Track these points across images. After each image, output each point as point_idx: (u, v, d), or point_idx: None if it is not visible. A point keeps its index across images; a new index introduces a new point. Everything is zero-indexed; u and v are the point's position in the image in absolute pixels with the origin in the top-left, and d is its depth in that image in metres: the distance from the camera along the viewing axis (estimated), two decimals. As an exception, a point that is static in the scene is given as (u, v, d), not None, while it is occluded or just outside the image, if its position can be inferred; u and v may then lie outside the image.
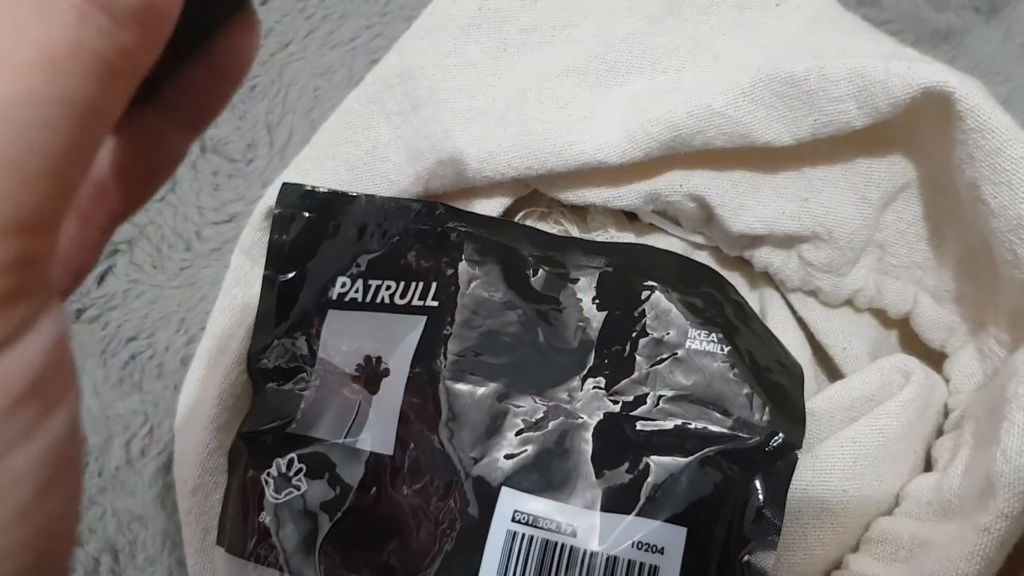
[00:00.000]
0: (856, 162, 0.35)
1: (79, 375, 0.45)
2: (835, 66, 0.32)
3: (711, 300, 0.35)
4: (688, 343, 0.34)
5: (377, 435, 0.34)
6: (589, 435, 0.34)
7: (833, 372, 0.39)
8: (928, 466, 0.36)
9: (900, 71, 0.31)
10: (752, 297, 0.40)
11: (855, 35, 0.36)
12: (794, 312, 0.39)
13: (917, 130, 0.34)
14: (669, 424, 0.33)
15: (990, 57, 0.45)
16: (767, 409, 0.33)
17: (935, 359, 0.37)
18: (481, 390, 0.34)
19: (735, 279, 0.40)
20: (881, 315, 0.38)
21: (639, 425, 0.34)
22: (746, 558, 0.31)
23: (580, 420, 0.34)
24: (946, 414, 0.36)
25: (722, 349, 0.34)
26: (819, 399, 0.35)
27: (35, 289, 0.14)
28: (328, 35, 0.48)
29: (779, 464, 0.32)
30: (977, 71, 0.45)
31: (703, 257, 0.40)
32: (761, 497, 0.32)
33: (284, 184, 0.38)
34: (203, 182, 0.47)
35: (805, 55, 0.35)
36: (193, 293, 0.45)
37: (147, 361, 0.45)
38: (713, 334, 0.34)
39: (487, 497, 0.33)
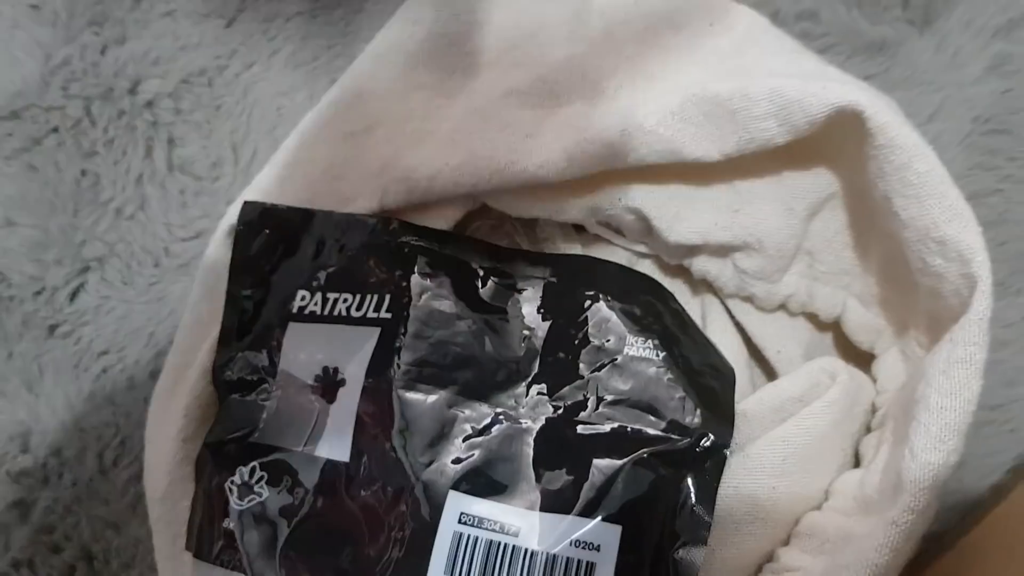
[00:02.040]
0: (783, 175, 0.37)
1: (55, 389, 0.46)
2: (757, 86, 0.34)
3: (649, 308, 0.37)
4: (626, 349, 0.36)
5: (334, 443, 0.36)
6: (532, 439, 0.35)
7: (770, 374, 0.41)
8: (858, 463, 0.37)
9: (815, 91, 0.33)
10: (693, 303, 0.42)
11: (782, 54, 0.37)
12: (732, 317, 0.41)
13: (838, 144, 0.35)
14: (607, 427, 0.35)
15: (924, 68, 0.47)
16: (698, 411, 0.35)
17: (865, 360, 0.39)
18: (431, 398, 0.36)
19: (677, 286, 0.42)
20: (815, 319, 0.40)
21: (579, 429, 0.35)
22: (679, 553, 0.33)
23: (524, 425, 0.36)
24: (874, 412, 0.38)
25: (658, 355, 0.36)
26: (750, 401, 0.37)
27: None
28: (291, 55, 0.50)
29: (709, 463, 0.34)
30: (911, 81, 0.46)
31: (646, 266, 0.42)
32: (692, 495, 0.34)
33: (245, 202, 0.40)
34: (171, 200, 0.48)
35: (735, 73, 0.37)
36: (162, 308, 0.47)
37: (118, 374, 0.46)
38: (650, 340, 0.36)
39: (436, 501, 0.34)
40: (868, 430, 0.38)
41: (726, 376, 0.36)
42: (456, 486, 0.35)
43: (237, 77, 0.50)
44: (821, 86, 0.33)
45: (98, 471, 0.46)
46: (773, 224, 0.37)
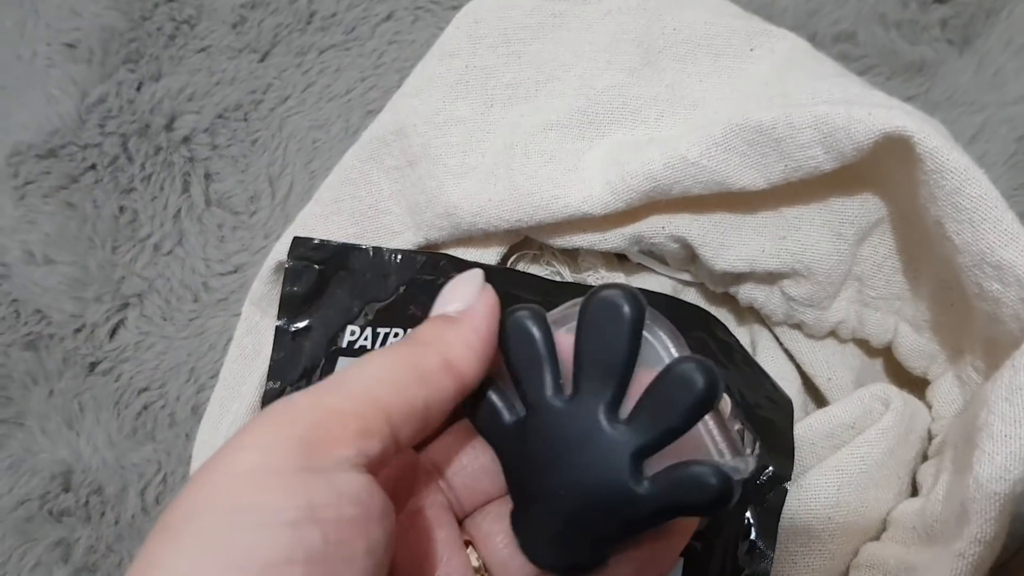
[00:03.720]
0: (830, 200, 0.37)
1: (96, 427, 0.46)
2: (801, 114, 0.33)
3: (698, 340, 0.37)
4: None
5: None
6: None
7: (822, 402, 0.40)
8: (915, 491, 0.37)
9: (861, 117, 0.33)
10: (742, 331, 0.41)
11: (824, 78, 0.37)
12: (781, 344, 0.40)
13: (885, 169, 0.35)
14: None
15: (964, 88, 0.46)
16: (757, 444, 0.34)
17: (919, 385, 0.38)
18: None
19: (723, 314, 0.41)
20: (865, 344, 0.40)
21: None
22: (739, 587, 0.33)
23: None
24: (930, 439, 0.37)
25: None
26: (800, 427, 0.36)
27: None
28: (325, 88, 0.50)
29: (770, 496, 0.34)
30: (951, 102, 0.46)
31: (691, 294, 0.41)
32: (753, 528, 0.33)
33: (295, 238, 0.40)
34: (209, 235, 0.48)
35: (777, 99, 0.37)
36: (202, 343, 0.47)
37: (159, 411, 0.46)
38: None
39: None
40: (925, 458, 0.37)
41: (784, 407, 0.36)
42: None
43: (272, 111, 0.50)
44: (867, 112, 0.33)
45: (140, 509, 0.46)
46: (822, 250, 0.37)
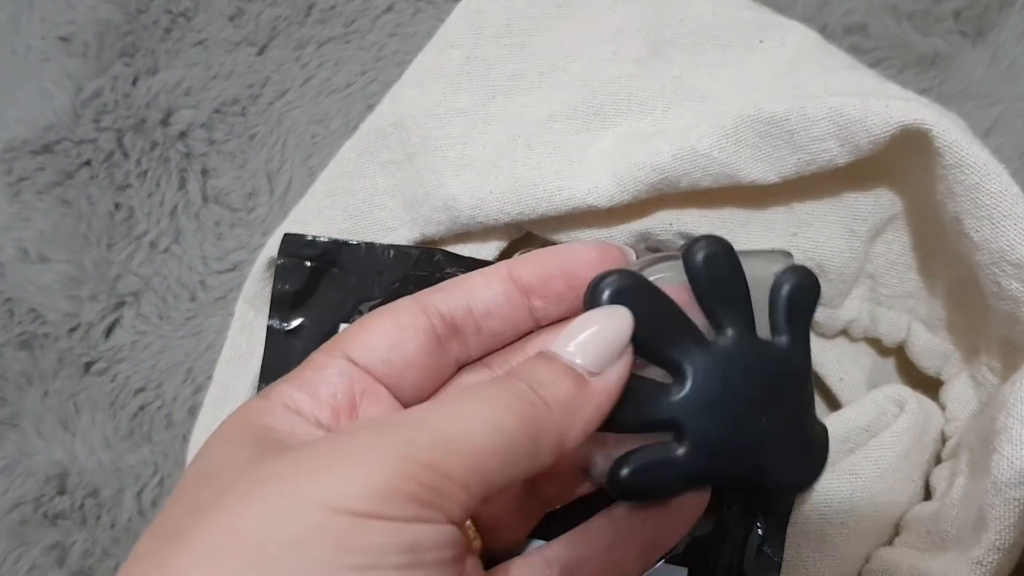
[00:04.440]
0: (843, 196, 0.36)
1: (91, 428, 0.46)
2: (815, 105, 0.32)
3: None
4: None
5: None
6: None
7: (833, 403, 0.39)
8: (928, 494, 0.36)
9: (879, 109, 0.32)
10: None
11: (837, 70, 0.36)
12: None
13: (901, 164, 0.34)
14: None
15: (978, 81, 0.45)
16: None
17: (931, 386, 0.37)
18: None
19: None
20: (877, 344, 0.39)
21: None
22: (747, 595, 0.32)
23: None
24: (944, 441, 0.36)
25: None
26: None
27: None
28: (324, 82, 0.49)
29: (779, 501, 0.33)
30: (965, 95, 0.45)
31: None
32: (761, 534, 0.32)
33: (285, 234, 0.39)
34: (206, 232, 0.47)
35: (788, 92, 0.36)
36: (199, 343, 0.46)
37: (156, 412, 0.46)
38: None
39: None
40: (938, 460, 0.36)
41: None
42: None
43: (270, 105, 0.49)
44: (884, 104, 0.32)
45: (137, 512, 0.45)
46: (835, 247, 0.36)
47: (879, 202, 0.35)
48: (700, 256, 0.27)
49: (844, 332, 0.38)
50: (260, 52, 0.50)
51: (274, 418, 0.25)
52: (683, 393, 0.27)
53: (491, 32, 0.40)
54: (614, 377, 0.25)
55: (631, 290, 0.26)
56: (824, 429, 0.30)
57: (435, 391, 0.28)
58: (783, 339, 0.28)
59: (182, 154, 0.48)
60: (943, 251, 0.35)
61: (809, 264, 0.36)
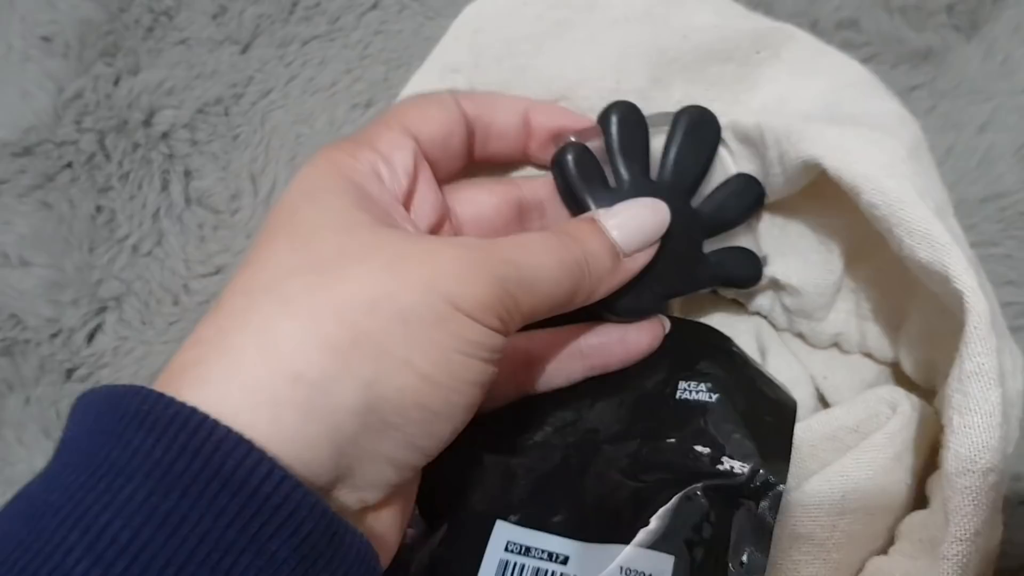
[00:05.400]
0: (819, 212, 0.36)
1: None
2: (771, 125, 0.34)
3: (702, 352, 0.36)
4: (678, 394, 0.35)
5: None
6: (585, 475, 0.34)
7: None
8: (925, 503, 0.35)
9: (795, 140, 0.33)
10: (754, 333, 0.40)
11: (829, 91, 0.36)
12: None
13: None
14: (661, 463, 0.34)
15: (971, 76, 0.44)
16: (754, 449, 0.33)
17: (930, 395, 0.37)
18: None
19: (737, 315, 0.41)
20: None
21: (631, 467, 0.34)
22: (733, 594, 0.31)
23: (574, 464, 0.34)
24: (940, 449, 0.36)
25: (711, 397, 0.34)
26: (799, 428, 0.35)
27: None
28: (309, 81, 0.49)
29: (764, 501, 0.32)
30: (959, 91, 0.44)
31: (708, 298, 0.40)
32: (746, 533, 0.32)
33: None
34: (189, 235, 0.47)
35: (771, 107, 0.37)
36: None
37: (138, 418, 0.45)
38: (703, 384, 0.35)
39: (483, 529, 0.33)
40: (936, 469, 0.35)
41: (785, 410, 0.35)
42: (505, 516, 0.33)
43: (254, 105, 0.48)
44: (799, 134, 0.33)
45: (119, 519, 0.44)
46: (811, 260, 0.37)
47: (850, 221, 0.35)
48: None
49: (836, 345, 0.39)
50: (243, 51, 0.49)
51: (364, 178, 0.29)
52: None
53: (491, 54, 0.39)
54: (641, 261, 0.32)
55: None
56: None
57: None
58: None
59: (164, 155, 0.47)
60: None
61: (791, 278, 0.37)
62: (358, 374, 0.23)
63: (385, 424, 0.24)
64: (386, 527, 0.27)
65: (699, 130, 0.35)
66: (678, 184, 0.35)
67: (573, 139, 0.35)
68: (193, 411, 0.21)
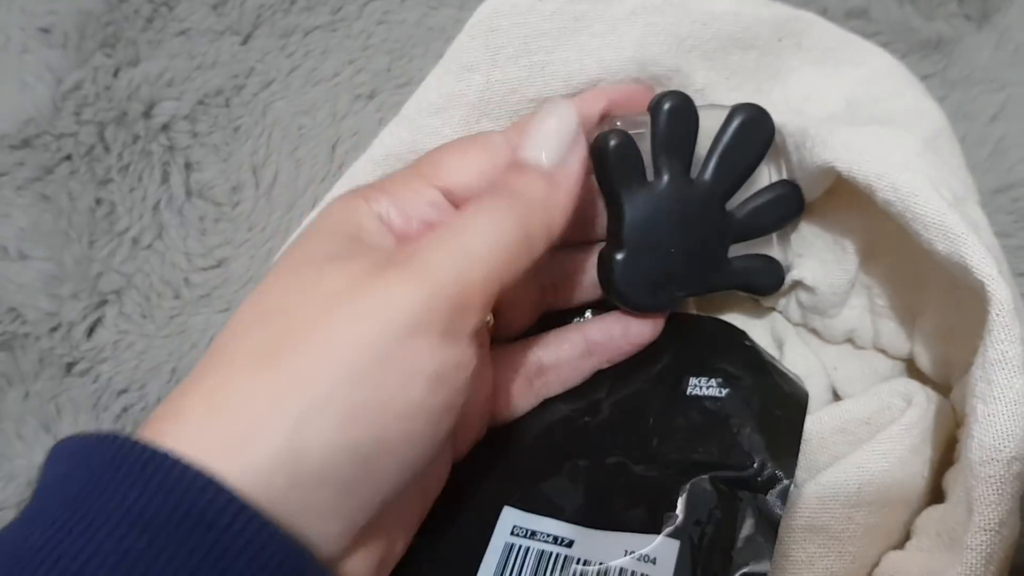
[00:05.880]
0: (834, 211, 0.36)
1: (74, 430, 0.44)
2: (792, 125, 0.34)
3: (714, 348, 0.37)
4: (690, 389, 0.35)
5: None
6: (593, 460, 0.34)
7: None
8: (941, 498, 0.35)
9: (816, 143, 0.33)
10: (769, 328, 0.40)
11: (844, 73, 0.36)
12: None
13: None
14: (670, 454, 0.33)
15: (983, 65, 0.44)
16: (763, 443, 0.33)
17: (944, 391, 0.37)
18: None
19: (753, 309, 0.41)
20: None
21: (641, 461, 0.34)
22: (737, 582, 0.31)
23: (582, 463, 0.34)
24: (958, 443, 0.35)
25: (721, 392, 0.34)
26: (810, 421, 0.35)
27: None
28: (310, 72, 0.48)
29: (771, 494, 0.32)
30: (969, 80, 0.44)
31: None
32: (754, 525, 0.32)
33: None
34: (189, 228, 0.46)
35: (797, 99, 0.37)
36: (183, 342, 0.45)
37: (139, 413, 0.44)
38: (713, 380, 0.35)
39: (490, 514, 0.34)
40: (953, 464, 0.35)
41: (797, 404, 0.34)
42: (511, 502, 0.34)
43: (255, 96, 0.48)
44: (814, 139, 0.33)
45: (120, 516, 0.43)
46: (825, 259, 0.37)
47: (863, 218, 0.35)
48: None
49: (850, 341, 0.39)
50: (244, 41, 0.48)
51: (367, 219, 0.28)
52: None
53: (508, 52, 0.38)
54: (575, 164, 0.30)
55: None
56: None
57: None
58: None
59: (164, 147, 0.47)
60: (930, 261, 0.34)
61: (805, 275, 0.37)
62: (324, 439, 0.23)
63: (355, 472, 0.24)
64: (360, 567, 0.26)
65: (752, 130, 0.34)
66: (717, 185, 0.34)
67: (619, 124, 0.33)
68: (165, 454, 0.21)
